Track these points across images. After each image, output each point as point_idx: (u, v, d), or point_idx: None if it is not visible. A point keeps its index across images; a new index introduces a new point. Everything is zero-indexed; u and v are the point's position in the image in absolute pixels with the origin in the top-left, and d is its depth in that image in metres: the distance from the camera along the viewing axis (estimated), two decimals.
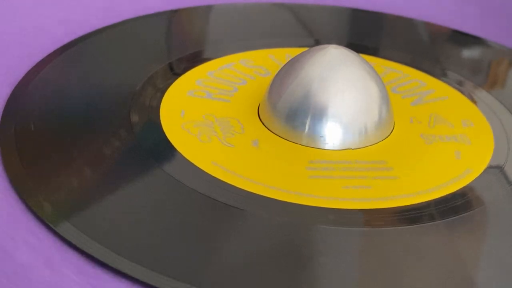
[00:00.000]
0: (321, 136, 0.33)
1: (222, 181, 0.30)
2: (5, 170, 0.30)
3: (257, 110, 0.35)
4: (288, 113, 0.33)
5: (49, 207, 0.29)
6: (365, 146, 0.33)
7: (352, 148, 0.33)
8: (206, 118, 0.34)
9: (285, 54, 0.38)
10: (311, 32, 0.44)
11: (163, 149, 0.32)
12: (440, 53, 0.42)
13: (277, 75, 0.35)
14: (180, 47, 0.40)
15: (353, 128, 0.33)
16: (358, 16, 0.45)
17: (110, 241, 0.27)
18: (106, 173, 0.31)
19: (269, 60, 0.39)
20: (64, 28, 0.40)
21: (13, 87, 0.35)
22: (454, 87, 0.38)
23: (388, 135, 0.34)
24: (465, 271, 0.28)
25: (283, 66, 0.35)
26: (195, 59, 0.39)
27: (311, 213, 0.29)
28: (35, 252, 0.27)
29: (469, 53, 0.44)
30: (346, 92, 0.33)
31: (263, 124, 0.34)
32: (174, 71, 0.37)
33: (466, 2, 0.48)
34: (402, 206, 0.30)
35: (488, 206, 0.31)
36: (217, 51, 0.40)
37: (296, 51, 0.36)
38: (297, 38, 0.42)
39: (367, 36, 0.44)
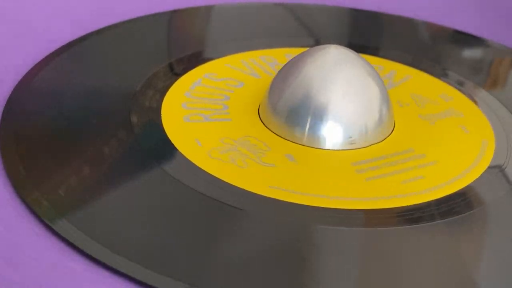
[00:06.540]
0: (321, 136, 0.33)
1: (222, 181, 0.30)
2: (5, 169, 0.30)
3: (257, 110, 0.35)
4: (289, 113, 0.33)
5: (49, 207, 0.29)
6: (366, 146, 0.33)
7: (353, 148, 0.33)
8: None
9: (285, 54, 0.38)
10: (311, 32, 0.44)
11: (163, 149, 0.32)
12: (440, 53, 0.42)
13: (277, 75, 0.35)
14: (180, 47, 0.40)
15: (353, 127, 0.33)
16: (358, 16, 0.45)
17: (109, 240, 0.27)
18: (106, 173, 0.31)
19: (269, 60, 0.39)
20: (64, 29, 0.40)
21: (13, 87, 0.35)
22: (454, 86, 0.38)
23: (389, 135, 0.34)
24: (465, 271, 0.28)
25: (284, 66, 0.35)
26: (195, 59, 0.38)
27: (311, 213, 0.29)
28: (35, 251, 0.27)
29: (469, 53, 0.44)
30: (346, 92, 0.33)
31: (263, 124, 0.34)
32: (174, 72, 0.37)
33: (466, 1, 0.48)
34: (403, 206, 0.30)
35: (488, 206, 0.31)
36: (217, 51, 0.40)
37: (296, 51, 0.35)
38: (297, 38, 0.42)
39: (367, 36, 0.44)
